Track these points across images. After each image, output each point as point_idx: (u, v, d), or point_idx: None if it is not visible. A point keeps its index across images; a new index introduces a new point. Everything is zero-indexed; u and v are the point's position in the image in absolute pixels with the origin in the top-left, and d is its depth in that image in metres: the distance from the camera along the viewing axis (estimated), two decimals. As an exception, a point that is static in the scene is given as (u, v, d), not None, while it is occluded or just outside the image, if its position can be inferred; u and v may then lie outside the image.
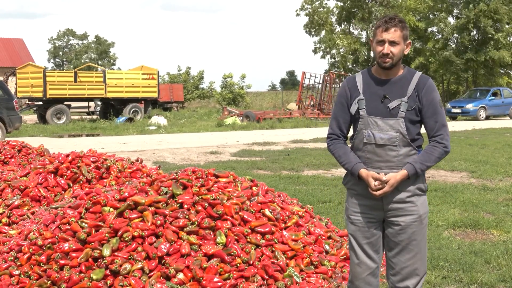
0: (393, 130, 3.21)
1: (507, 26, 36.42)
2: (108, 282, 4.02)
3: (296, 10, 40.63)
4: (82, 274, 4.04)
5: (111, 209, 4.41)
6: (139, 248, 4.19)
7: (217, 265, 4.14)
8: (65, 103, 28.59)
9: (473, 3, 35.21)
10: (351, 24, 40.79)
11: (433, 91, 3.26)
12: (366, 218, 3.31)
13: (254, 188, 5.02)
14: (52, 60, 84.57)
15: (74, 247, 4.19)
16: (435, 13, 37.57)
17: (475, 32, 36.73)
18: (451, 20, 37.59)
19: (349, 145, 3.39)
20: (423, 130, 3.35)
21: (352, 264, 3.42)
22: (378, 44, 3.20)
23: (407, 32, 3.23)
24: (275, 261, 4.39)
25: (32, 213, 5.49)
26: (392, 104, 3.20)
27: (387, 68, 3.22)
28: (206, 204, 4.48)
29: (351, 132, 3.42)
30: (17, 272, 4.22)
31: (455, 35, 37.91)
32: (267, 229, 4.56)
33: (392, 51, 3.17)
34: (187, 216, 4.38)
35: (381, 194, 3.20)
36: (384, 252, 3.42)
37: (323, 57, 41.06)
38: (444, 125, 3.29)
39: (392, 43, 3.17)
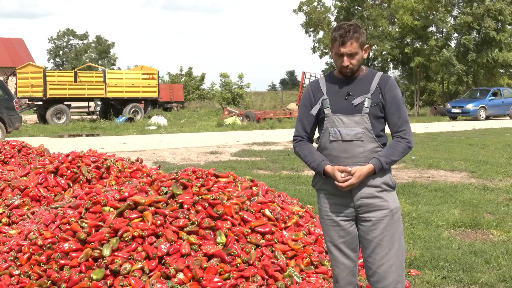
0: (358, 126, 3.27)
1: (509, 27, 36.39)
2: (108, 282, 4.02)
3: (294, 10, 40.59)
4: (82, 274, 4.04)
5: (111, 209, 4.42)
6: (139, 248, 4.19)
7: (217, 265, 4.14)
8: (65, 103, 28.61)
9: (478, 2, 35.13)
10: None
11: (396, 89, 3.34)
12: (339, 216, 3.34)
13: (254, 188, 5.02)
14: (52, 60, 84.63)
15: (74, 247, 4.19)
16: (434, 12, 37.52)
17: (475, 33, 36.65)
18: (451, 21, 37.51)
19: (316, 146, 3.43)
20: (387, 129, 3.39)
21: (332, 265, 3.46)
22: (337, 57, 3.29)
23: (363, 38, 3.29)
24: (275, 261, 4.39)
25: (32, 213, 5.49)
26: (356, 100, 3.28)
27: (349, 76, 3.32)
28: (206, 204, 4.48)
29: (316, 134, 3.46)
30: (17, 272, 4.22)
31: (455, 35, 37.84)
32: (267, 229, 4.56)
33: (351, 62, 3.27)
34: (187, 216, 4.38)
35: (347, 185, 3.23)
36: (361, 254, 3.44)
37: (321, 56, 41.07)
38: (407, 121, 3.34)
39: (350, 55, 3.26)
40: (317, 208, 3.54)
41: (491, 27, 34.98)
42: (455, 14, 37.08)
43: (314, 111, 3.35)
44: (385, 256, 3.30)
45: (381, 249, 3.29)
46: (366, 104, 3.26)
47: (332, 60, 3.57)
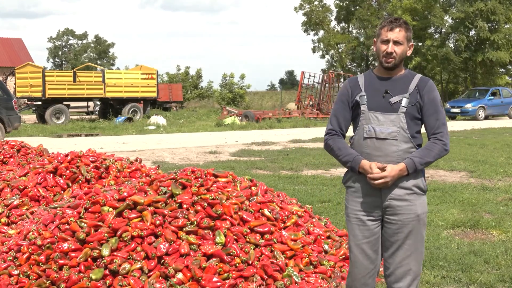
0: (393, 125, 3.24)
1: (506, 26, 36.38)
2: (107, 282, 4.03)
3: (295, 8, 40.58)
4: (81, 274, 4.04)
5: (110, 209, 4.41)
6: (138, 248, 4.19)
7: (216, 265, 4.14)
8: (64, 103, 28.57)
9: (470, 1, 35.13)
10: (350, 24, 40.76)
11: (434, 91, 3.32)
12: (366, 216, 3.31)
13: (253, 188, 5.02)
14: (51, 60, 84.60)
15: (73, 247, 4.19)
16: (430, 12, 37.62)
17: (473, 32, 36.66)
18: (449, 21, 37.58)
19: (349, 144, 3.40)
20: (423, 130, 3.36)
21: (350, 264, 3.42)
22: (382, 43, 3.26)
23: (410, 33, 3.29)
24: (274, 261, 4.39)
25: (31, 213, 5.49)
26: (394, 99, 3.25)
27: (389, 68, 3.28)
28: (205, 204, 4.47)
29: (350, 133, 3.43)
30: (16, 272, 4.22)
31: (453, 34, 37.86)
32: (266, 229, 4.56)
33: (395, 50, 3.24)
34: (186, 216, 4.38)
35: (380, 183, 3.19)
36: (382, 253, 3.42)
37: (322, 56, 41.10)
38: (444, 124, 3.32)
39: (396, 42, 3.24)
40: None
41: (483, 27, 34.97)
42: (454, 11, 37.05)
43: (353, 105, 3.33)
44: (406, 259, 3.29)
45: (403, 252, 3.28)
46: (403, 103, 3.24)
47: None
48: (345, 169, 3.42)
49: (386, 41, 3.24)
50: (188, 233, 4.32)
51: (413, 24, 36.41)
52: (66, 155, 6.35)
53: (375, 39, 3.35)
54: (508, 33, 35.79)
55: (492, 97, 32.79)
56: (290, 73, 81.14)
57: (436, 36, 38.59)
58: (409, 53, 3.32)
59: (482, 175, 10.60)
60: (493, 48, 35.39)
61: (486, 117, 31.99)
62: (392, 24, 3.24)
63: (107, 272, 4.06)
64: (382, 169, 3.19)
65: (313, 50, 41.28)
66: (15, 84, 29.93)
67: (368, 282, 3.36)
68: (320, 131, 20.94)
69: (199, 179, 4.71)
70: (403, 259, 3.29)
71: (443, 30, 38.03)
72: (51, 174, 6.08)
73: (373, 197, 3.29)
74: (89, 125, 25.28)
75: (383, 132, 3.23)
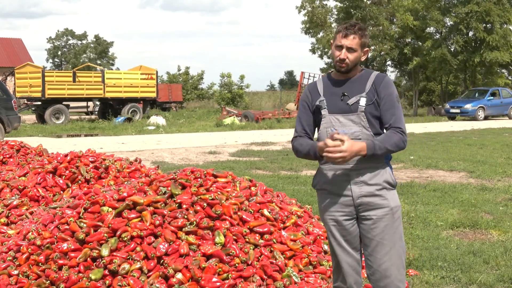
0: (355, 125, 3.28)
1: (505, 26, 36.37)
2: (107, 282, 4.03)
3: (297, 7, 40.55)
4: (80, 274, 4.04)
5: (110, 209, 4.41)
6: (138, 248, 4.19)
7: (216, 265, 4.14)
8: (64, 103, 28.59)
9: (464, 3, 35.13)
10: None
11: (391, 86, 3.34)
12: (340, 215, 3.34)
13: (252, 188, 5.02)
14: (51, 60, 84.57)
15: (72, 247, 4.19)
16: (429, 13, 37.58)
17: (471, 33, 36.66)
18: (449, 22, 37.54)
19: None
20: None
21: (334, 264, 3.46)
22: (336, 49, 3.32)
23: (366, 40, 3.33)
24: (274, 261, 4.39)
25: (31, 213, 5.49)
26: (351, 100, 3.29)
27: (343, 72, 3.34)
28: (205, 204, 4.47)
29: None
30: (16, 272, 4.21)
31: (451, 35, 37.82)
32: (265, 229, 4.56)
33: (348, 57, 3.29)
34: (185, 216, 4.38)
35: (339, 157, 3.10)
36: (362, 253, 3.45)
37: (320, 56, 41.09)
38: (402, 120, 3.31)
39: (350, 49, 3.28)
40: (316, 208, 3.55)
41: (479, 29, 34.96)
42: (452, 15, 37.04)
43: (314, 111, 3.38)
44: (386, 255, 3.30)
45: (382, 247, 3.30)
46: (361, 103, 3.28)
47: (330, 60, 3.57)
48: None
49: (340, 47, 3.29)
50: (187, 233, 4.32)
51: (413, 24, 36.41)
52: (66, 155, 6.35)
53: (331, 41, 3.40)
54: (505, 34, 35.77)
55: (492, 97, 32.81)
56: (290, 73, 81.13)
57: (437, 37, 38.59)
58: (363, 58, 3.37)
59: (481, 176, 10.61)
60: (489, 48, 35.39)
61: (486, 118, 32.01)
62: (347, 30, 3.27)
63: (106, 272, 4.06)
64: (339, 139, 3.13)
65: (313, 51, 41.27)
66: (14, 84, 29.95)
67: (357, 278, 3.41)
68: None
69: (199, 179, 4.71)
70: (383, 255, 3.30)
71: (444, 31, 38.05)
72: (51, 174, 6.08)
73: (344, 197, 3.32)
74: (89, 125, 25.29)
75: (346, 133, 3.24)
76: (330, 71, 3.51)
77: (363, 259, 3.45)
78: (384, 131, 3.34)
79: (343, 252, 3.38)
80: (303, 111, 3.45)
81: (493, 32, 35.41)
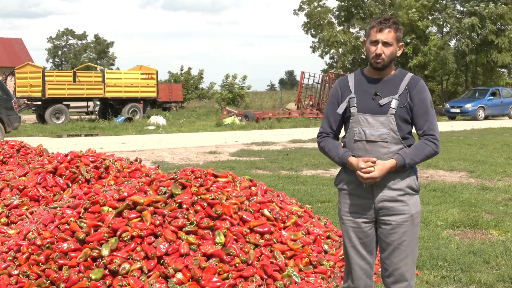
0: (383, 127, 3.22)
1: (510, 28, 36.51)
2: (107, 282, 4.03)
3: (295, 10, 40.51)
4: (81, 274, 4.04)
5: (110, 209, 4.41)
6: (138, 248, 4.19)
7: (216, 265, 4.14)
8: (64, 103, 28.57)
9: (488, 3, 35.25)
10: (350, 24, 40.74)
11: (425, 91, 3.28)
12: (359, 218, 3.31)
13: (253, 188, 5.02)
14: (51, 60, 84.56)
15: (73, 247, 4.19)
16: (433, 13, 37.57)
17: (479, 34, 36.67)
18: (453, 21, 37.50)
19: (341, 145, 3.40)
20: (414, 131, 3.35)
21: (346, 265, 3.44)
22: (371, 44, 3.24)
23: (400, 34, 3.26)
24: (274, 261, 4.39)
25: (31, 213, 5.48)
26: (383, 100, 3.23)
27: (379, 69, 3.26)
28: (205, 204, 4.47)
29: (342, 132, 3.43)
30: (16, 272, 4.21)
31: (458, 37, 37.80)
32: (266, 229, 4.56)
33: (384, 51, 3.22)
34: (186, 216, 4.38)
35: (369, 178, 3.16)
36: (378, 254, 3.43)
37: (321, 56, 41.02)
38: (435, 125, 3.28)
39: (385, 44, 3.22)
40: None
41: (492, 29, 35.06)
42: (461, 11, 37.06)
43: (341, 109, 3.31)
44: (403, 260, 3.29)
45: (400, 252, 3.28)
46: (393, 105, 3.21)
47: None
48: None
49: (375, 42, 3.22)
50: (187, 233, 4.32)
51: (417, 25, 36.40)
52: (66, 155, 6.34)
53: (365, 38, 3.32)
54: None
55: (492, 97, 32.78)
56: (290, 73, 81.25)
57: (439, 36, 38.58)
58: (399, 53, 3.30)
59: (481, 175, 10.61)
60: (497, 50, 35.53)
61: (486, 117, 31.98)
62: (382, 24, 3.21)
63: (106, 272, 4.06)
64: (372, 162, 3.16)
65: (313, 50, 41.21)
66: (15, 84, 29.92)
67: (367, 282, 3.38)
68: (320, 131, 20.92)
69: (199, 179, 4.71)
70: (400, 260, 3.29)
71: (445, 30, 38.09)
72: (51, 174, 6.08)
73: (365, 199, 3.28)
74: (89, 125, 25.27)
75: (373, 134, 3.21)
76: (362, 67, 3.43)
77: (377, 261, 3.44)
78: (411, 135, 3.31)
79: (356, 254, 3.35)
80: (331, 107, 3.37)
81: (502, 35, 35.57)
